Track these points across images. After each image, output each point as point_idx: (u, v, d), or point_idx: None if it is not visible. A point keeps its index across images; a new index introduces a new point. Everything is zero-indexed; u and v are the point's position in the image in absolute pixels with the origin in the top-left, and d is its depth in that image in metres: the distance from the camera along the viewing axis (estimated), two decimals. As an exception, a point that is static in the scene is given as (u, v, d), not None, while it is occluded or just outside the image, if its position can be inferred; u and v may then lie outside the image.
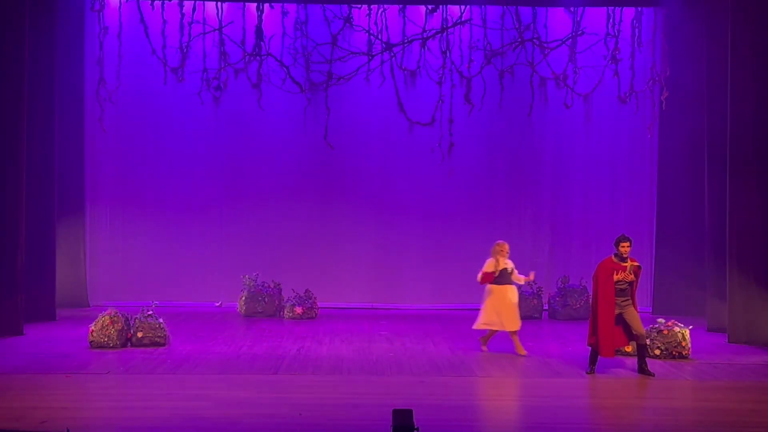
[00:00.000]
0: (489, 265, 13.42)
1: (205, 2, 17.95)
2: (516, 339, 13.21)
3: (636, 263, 11.89)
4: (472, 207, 18.24)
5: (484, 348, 13.50)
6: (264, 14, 17.98)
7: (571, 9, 18.03)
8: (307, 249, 18.09)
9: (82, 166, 17.75)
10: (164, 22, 17.92)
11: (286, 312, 16.71)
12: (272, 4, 18.00)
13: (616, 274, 11.67)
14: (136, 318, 13.48)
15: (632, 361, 12.14)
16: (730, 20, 14.68)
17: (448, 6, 17.92)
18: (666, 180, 17.73)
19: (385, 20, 18.05)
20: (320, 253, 18.08)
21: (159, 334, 13.41)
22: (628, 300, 11.76)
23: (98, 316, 13.40)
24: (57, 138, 16.20)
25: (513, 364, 12.44)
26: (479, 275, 13.50)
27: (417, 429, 7.01)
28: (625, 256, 11.79)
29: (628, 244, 11.81)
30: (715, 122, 15.59)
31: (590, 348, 11.96)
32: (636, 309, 11.89)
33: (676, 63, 17.46)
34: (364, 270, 18.17)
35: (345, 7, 17.98)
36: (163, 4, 17.87)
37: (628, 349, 12.48)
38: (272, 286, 17.12)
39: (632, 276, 11.74)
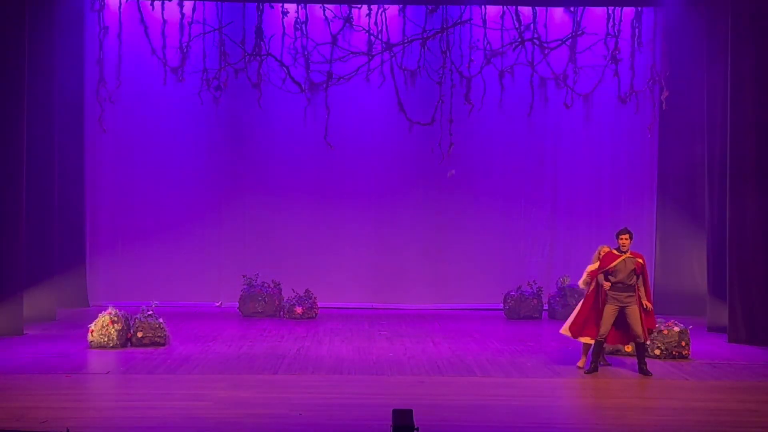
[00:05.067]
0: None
1: (205, 2, 17.95)
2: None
3: (639, 259, 11.79)
4: (471, 207, 18.23)
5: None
6: (264, 14, 17.98)
7: (571, 9, 18.04)
8: (307, 249, 18.10)
9: (82, 166, 17.77)
10: (164, 22, 17.93)
11: (286, 312, 16.71)
12: (272, 4, 18.00)
13: (608, 271, 11.67)
14: (136, 318, 13.48)
15: (632, 361, 12.15)
16: (730, 20, 14.68)
17: (448, 6, 17.91)
18: (666, 180, 17.74)
19: (385, 20, 18.05)
20: (320, 253, 18.09)
21: (159, 334, 13.41)
22: (632, 296, 11.69)
23: (98, 316, 13.40)
24: (57, 138, 16.21)
25: (513, 364, 12.44)
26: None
27: (417, 429, 7.01)
28: (623, 249, 11.76)
29: (626, 236, 11.74)
30: (715, 122, 15.59)
31: (590, 347, 11.98)
32: (650, 306, 11.78)
33: (676, 63, 17.47)
34: (364, 270, 18.17)
35: (345, 7, 17.98)
36: (163, 4, 17.87)
37: (628, 349, 12.48)
38: (272, 286, 17.12)
39: (620, 272, 11.68)
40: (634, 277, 11.70)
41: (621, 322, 11.77)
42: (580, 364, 12.21)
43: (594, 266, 12.04)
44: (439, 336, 14.84)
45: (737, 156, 14.57)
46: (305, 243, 18.12)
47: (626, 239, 11.75)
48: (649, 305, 11.82)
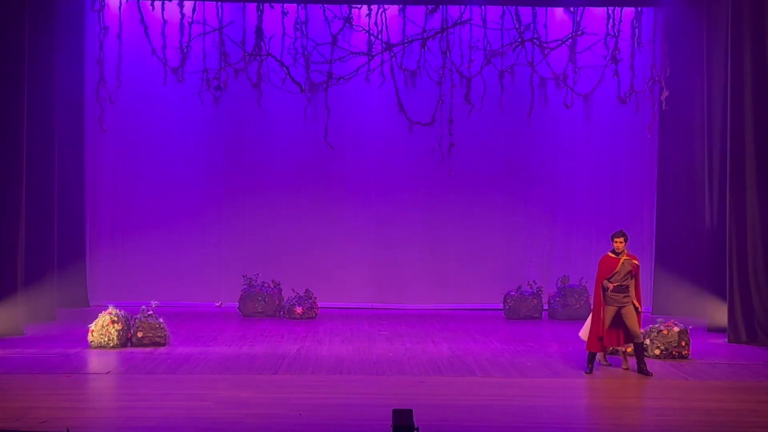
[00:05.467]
0: None
1: (205, 2, 17.95)
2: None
3: (635, 261, 11.86)
4: (471, 207, 18.23)
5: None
6: (264, 14, 17.98)
7: (571, 9, 18.04)
8: (307, 249, 18.10)
9: (82, 166, 17.76)
10: (164, 22, 17.93)
11: (286, 312, 16.71)
12: (272, 4, 18.00)
13: (609, 279, 11.69)
14: (136, 318, 13.48)
15: (632, 362, 12.14)
16: (730, 20, 14.69)
17: (448, 6, 17.92)
18: (666, 180, 17.73)
19: (385, 20, 18.05)
20: (320, 253, 18.09)
21: (159, 334, 13.42)
22: (627, 297, 11.74)
23: (98, 316, 13.40)
24: (57, 138, 16.21)
25: (513, 364, 12.45)
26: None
27: (417, 429, 7.01)
28: (618, 251, 11.80)
29: (621, 239, 11.81)
30: (714, 122, 15.60)
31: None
32: (640, 308, 11.87)
33: (676, 63, 17.46)
34: (364, 270, 18.17)
35: (345, 7, 17.98)
36: (163, 4, 17.87)
37: (629, 349, 12.47)
38: (272, 286, 17.12)
39: (619, 275, 11.70)
40: (629, 278, 11.76)
41: (617, 322, 11.80)
42: (624, 366, 12.19)
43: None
44: (439, 336, 14.84)
45: (737, 156, 14.56)
46: (305, 243, 18.12)
47: (621, 242, 11.81)
48: (640, 307, 11.88)
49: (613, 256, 11.83)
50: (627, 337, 11.89)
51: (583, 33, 18.07)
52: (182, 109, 18.09)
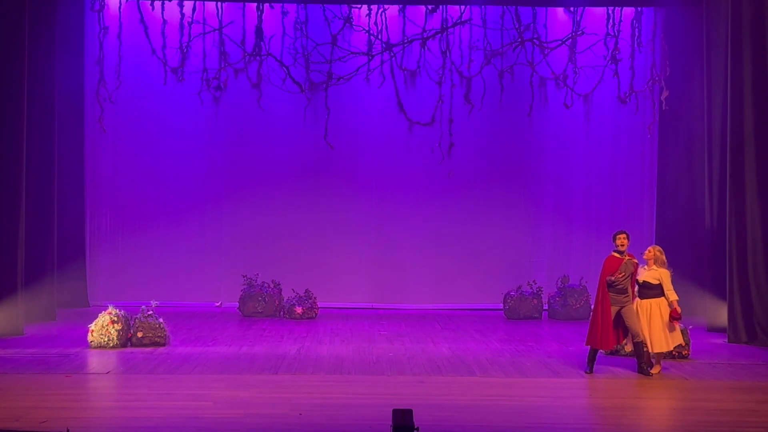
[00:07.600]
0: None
1: (205, 2, 17.95)
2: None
3: (634, 260, 11.88)
4: (471, 207, 18.23)
5: None
6: (264, 14, 17.98)
7: (571, 9, 18.04)
8: (307, 249, 18.10)
9: (82, 166, 17.78)
10: (164, 22, 17.93)
11: (286, 312, 16.71)
12: (272, 4, 18.00)
13: (612, 275, 11.70)
14: (136, 318, 13.48)
15: (632, 361, 12.15)
16: (730, 20, 14.69)
17: (448, 6, 17.92)
18: (666, 180, 17.74)
19: (385, 20, 18.05)
20: (320, 253, 18.09)
21: (159, 334, 13.42)
22: (627, 297, 11.77)
23: (98, 316, 13.41)
24: (57, 138, 16.22)
25: (513, 364, 12.45)
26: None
27: (417, 429, 7.02)
28: (621, 249, 11.81)
29: (624, 236, 11.83)
30: (714, 121, 15.60)
31: (589, 348, 11.98)
32: (674, 303, 11.89)
33: (676, 63, 17.47)
34: (364, 270, 18.17)
35: (345, 7, 17.98)
36: (163, 4, 17.87)
37: (628, 349, 12.48)
38: (272, 286, 17.12)
39: (622, 274, 11.70)
40: (629, 278, 11.79)
41: (617, 322, 11.82)
42: (654, 371, 11.98)
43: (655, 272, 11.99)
44: (439, 336, 14.84)
45: (737, 156, 14.57)
46: (305, 243, 18.12)
47: (624, 239, 11.82)
48: (674, 303, 11.96)
49: (617, 256, 11.85)
50: (625, 337, 11.92)
51: (583, 33, 18.06)
52: (182, 109, 18.09)
